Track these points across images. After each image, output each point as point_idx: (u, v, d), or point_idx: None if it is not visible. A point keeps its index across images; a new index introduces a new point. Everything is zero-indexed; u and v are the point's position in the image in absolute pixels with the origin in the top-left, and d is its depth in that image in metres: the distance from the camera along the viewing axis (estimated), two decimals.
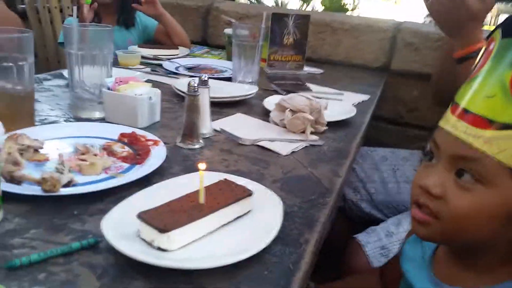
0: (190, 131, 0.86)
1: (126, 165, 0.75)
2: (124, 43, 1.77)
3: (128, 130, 0.86)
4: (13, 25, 1.43)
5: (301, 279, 0.53)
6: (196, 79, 0.88)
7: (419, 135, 1.83)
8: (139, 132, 0.86)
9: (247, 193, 0.62)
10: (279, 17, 1.58)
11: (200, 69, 1.54)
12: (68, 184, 0.65)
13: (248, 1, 6.03)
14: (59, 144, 0.80)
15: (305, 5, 5.96)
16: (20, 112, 0.86)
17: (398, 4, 9.81)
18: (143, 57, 1.56)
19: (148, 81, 1.13)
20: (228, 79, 1.37)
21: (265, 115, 1.09)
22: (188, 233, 0.54)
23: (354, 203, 1.34)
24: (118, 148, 0.80)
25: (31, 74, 0.85)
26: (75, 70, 0.96)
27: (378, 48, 1.85)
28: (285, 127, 1.00)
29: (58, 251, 0.52)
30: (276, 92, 1.32)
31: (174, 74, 1.43)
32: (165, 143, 0.83)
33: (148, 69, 1.46)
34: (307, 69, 1.69)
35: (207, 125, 0.93)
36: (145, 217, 0.53)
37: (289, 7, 5.93)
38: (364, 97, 1.38)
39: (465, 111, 0.49)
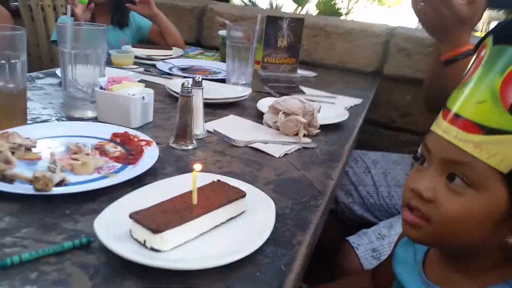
0: (183, 132, 0.86)
1: (118, 165, 0.75)
2: (117, 43, 1.77)
3: (120, 130, 0.86)
4: (3, 22, 1.42)
5: (294, 280, 0.53)
6: (190, 80, 0.88)
7: (411, 139, 1.85)
8: (132, 132, 0.86)
9: (240, 195, 0.62)
10: (273, 20, 1.59)
11: (194, 70, 1.54)
12: (60, 184, 0.65)
13: (243, 3, 6.05)
14: (51, 143, 0.80)
15: (299, 8, 5.98)
16: (12, 110, 0.85)
17: (391, 8, 9.88)
18: (136, 57, 1.55)
19: (141, 81, 1.13)
20: (222, 80, 1.37)
21: (258, 117, 1.10)
22: (181, 234, 0.54)
23: (346, 205, 1.35)
24: (110, 148, 0.80)
25: (23, 72, 0.84)
26: (68, 69, 0.95)
27: (371, 52, 1.86)
28: (278, 129, 1.01)
29: (50, 251, 0.51)
30: (270, 95, 1.32)
31: (168, 74, 1.43)
32: (157, 143, 0.82)
33: (142, 69, 1.46)
34: (300, 72, 1.70)
35: (200, 126, 0.93)
36: (138, 217, 0.53)
37: (283, 10, 5.95)
38: (357, 101, 1.39)
39: (457, 116, 0.50)
